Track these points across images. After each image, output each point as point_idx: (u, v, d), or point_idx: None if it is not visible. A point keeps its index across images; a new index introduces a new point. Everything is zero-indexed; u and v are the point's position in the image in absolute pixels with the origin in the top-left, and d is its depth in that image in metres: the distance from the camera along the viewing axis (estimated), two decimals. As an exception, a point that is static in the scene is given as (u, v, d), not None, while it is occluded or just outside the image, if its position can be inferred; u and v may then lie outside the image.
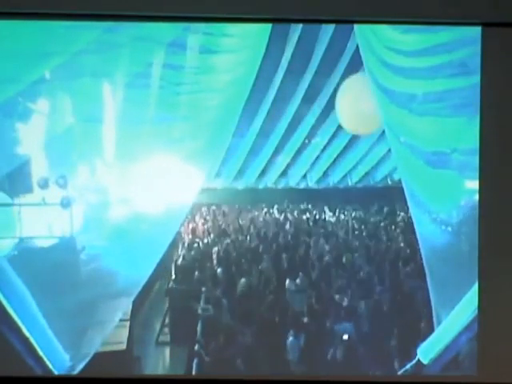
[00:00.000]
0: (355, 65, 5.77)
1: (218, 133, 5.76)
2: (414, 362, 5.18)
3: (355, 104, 5.77)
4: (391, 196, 6.18)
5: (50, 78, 5.16)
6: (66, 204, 5.26)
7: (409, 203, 5.56)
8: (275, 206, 7.29)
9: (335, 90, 5.97)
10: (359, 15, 4.90)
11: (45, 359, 4.91)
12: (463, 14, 4.79)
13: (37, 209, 5.33)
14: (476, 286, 4.91)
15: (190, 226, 6.64)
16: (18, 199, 5.28)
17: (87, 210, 5.35)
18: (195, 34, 5.31)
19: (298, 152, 6.62)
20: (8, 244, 5.18)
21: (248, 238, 6.88)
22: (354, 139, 6.40)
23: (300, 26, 5.61)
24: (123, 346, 5.22)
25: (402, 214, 6.33)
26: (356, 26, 5.36)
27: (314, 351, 5.38)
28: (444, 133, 5.22)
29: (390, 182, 6.33)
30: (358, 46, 5.60)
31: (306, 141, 6.60)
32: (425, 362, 5.13)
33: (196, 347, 5.35)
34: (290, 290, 5.92)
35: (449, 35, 5.07)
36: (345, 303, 5.69)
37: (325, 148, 6.58)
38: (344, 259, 6.28)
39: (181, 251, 6.36)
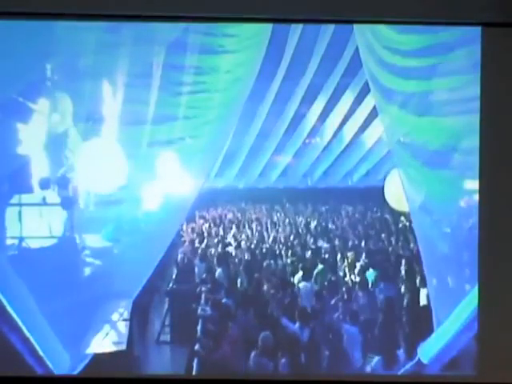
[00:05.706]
0: (355, 65, 5.78)
1: (218, 133, 5.76)
2: (414, 361, 5.18)
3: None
4: (391, 196, 6.18)
5: (50, 77, 5.16)
6: (66, 204, 5.27)
7: (409, 203, 5.56)
8: (275, 206, 7.31)
9: (335, 90, 5.98)
10: (359, 15, 4.89)
11: (45, 359, 4.90)
12: (463, 14, 4.78)
13: (37, 209, 5.33)
14: (476, 287, 4.90)
15: (190, 226, 6.66)
16: (18, 199, 5.28)
17: (87, 210, 5.35)
18: (195, 34, 5.31)
19: (298, 152, 6.64)
20: (9, 244, 5.18)
21: (248, 237, 6.89)
22: (354, 140, 6.41)
23: (300, 26, 5.61)
24: (123, 346, 5.22)
25: (402, 214, 6.34)
26: (355, 26, 5.36)
27: (316, 350, 5.38)
28: (444, 132, 5.22)
29: (390, 182, 6.33)
30: (357, 47, 5.61)
31: (306, 141, 6.61)
32: (425, 361, 5.13)
33: (196, 347, 5.35)
34: (291, 288, 5.93)
35: (449, 35, 5.07)
36: (344, 303, 5.70)
37: (325, 148, 6.59)
38: (344, 259, 6.29)
39: (181, 251, 6.37)
